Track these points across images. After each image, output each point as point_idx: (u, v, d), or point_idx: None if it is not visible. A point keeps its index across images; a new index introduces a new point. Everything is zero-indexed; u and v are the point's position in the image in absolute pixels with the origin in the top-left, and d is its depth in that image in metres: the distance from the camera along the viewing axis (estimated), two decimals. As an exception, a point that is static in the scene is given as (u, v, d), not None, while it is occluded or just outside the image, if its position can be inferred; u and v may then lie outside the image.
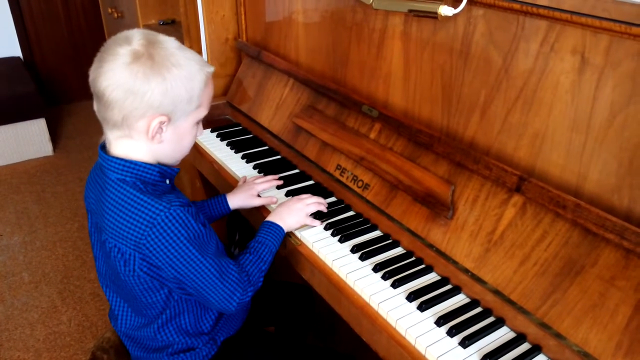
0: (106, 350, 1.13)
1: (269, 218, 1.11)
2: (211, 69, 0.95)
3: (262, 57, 1.63)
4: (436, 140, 1.08)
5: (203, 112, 0.96)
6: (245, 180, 1.33)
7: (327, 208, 1.23)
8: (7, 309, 2.03)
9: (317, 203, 1.18)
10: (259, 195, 1.27)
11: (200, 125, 0.99)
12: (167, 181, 0.97)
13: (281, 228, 1.10)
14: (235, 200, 1.25)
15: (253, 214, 1.29)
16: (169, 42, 0.89)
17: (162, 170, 0.94)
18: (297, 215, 1.13)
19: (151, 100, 0.85)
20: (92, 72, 0.88)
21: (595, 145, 0.86)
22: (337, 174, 1.28)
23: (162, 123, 0.89)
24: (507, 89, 0.97)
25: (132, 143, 0.91)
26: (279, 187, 1.33)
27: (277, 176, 1.35)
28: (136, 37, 0.87)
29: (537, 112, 0.93)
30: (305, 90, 1.47)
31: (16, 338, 1.90)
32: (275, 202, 1.26)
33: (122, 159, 0.90)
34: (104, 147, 0.94)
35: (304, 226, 1.16)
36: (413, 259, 1.08)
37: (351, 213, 1.23)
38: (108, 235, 0.89)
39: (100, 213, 0.92)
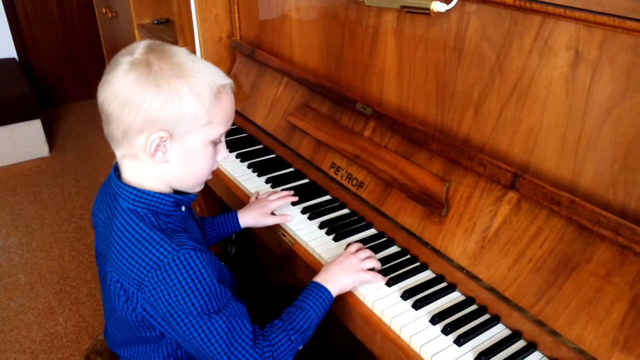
0: (100, 352, 1.12)
1: (317, 278, 0.96)
2: (226, 81, 0.84)
3: (255, 55, 1.62)
4: (430, 138, 1.07)
5: (216, 130, 0.84)
6: (257, 197, 1.26)
7: (322, 207, 1.23)
8: (3, 311, 2.02)
9: (371, 257, 1.02)
10: (273, 213, 1.20)
11: (221, 147, 0.89)
12: (183, 208, 0.89)
13: (329, 293, 0.92)
14: (247, 219, 1.19)
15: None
16: (177, 51, 0.81)
17: (177, 199, 0.86)
18: (352, 276, 0.97)
19: (148, 113, 0.77)
20: (98, 87, 0.82)
21: (589, 141, 0.85)
22: (331, 172, 1.28)
23: (162, 139, 0.80)
24: (500, 85, 0.96)
25: (138, 164, 0.84)
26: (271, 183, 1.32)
27: (291, 192, 1.27)
28: (140, 47, 0.80)
29: (531, 108, 0.92)
30: (299, 88, 1.46)
31: (12, 340, 1.89)
32: (290, 221, 1.18)
33: (135, 188, 0.83)
34: (116, 169, 0.88)
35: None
36: (408, 256, 1.07)
37: (346, 211, 1.23)
38: (112, 268, 0.83)
39: (108, 241, 0.85)
